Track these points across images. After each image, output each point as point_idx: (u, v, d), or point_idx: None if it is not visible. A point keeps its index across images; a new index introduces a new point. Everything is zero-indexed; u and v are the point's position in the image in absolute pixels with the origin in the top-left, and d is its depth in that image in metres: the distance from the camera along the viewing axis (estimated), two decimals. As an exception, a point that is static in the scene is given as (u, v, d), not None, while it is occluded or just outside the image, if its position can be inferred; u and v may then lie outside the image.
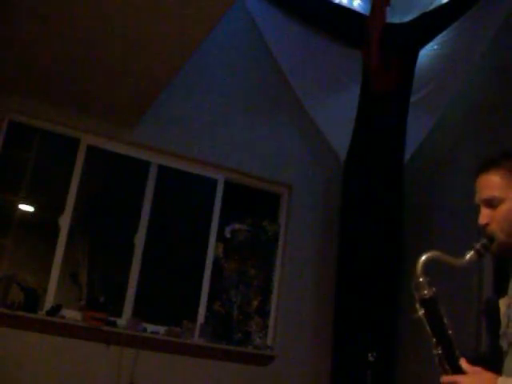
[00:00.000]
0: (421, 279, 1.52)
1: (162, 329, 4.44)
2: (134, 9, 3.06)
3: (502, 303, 1.57)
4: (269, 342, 4.81)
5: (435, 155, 4.96)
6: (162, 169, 4.80)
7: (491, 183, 1.53)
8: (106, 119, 4.44)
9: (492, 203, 1.51)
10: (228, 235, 4.96)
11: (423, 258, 1.53)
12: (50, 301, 4.17)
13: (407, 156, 4.80)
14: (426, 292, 1.51)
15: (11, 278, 4.06)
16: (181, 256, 4.95)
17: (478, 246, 1.51)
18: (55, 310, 4.08)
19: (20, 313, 3.92)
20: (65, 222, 4.37)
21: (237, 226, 5.01)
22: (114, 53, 3.54)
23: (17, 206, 4.57)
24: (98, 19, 3.20)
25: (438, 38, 4.85)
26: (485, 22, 4.59)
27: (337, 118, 5.01)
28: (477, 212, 1.56)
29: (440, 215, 4.77)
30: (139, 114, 4.37)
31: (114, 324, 4.20)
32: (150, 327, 4.39)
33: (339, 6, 5.02)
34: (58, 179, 4.67)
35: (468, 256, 1.51)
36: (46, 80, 3.96)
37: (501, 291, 1.63)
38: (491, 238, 1.50)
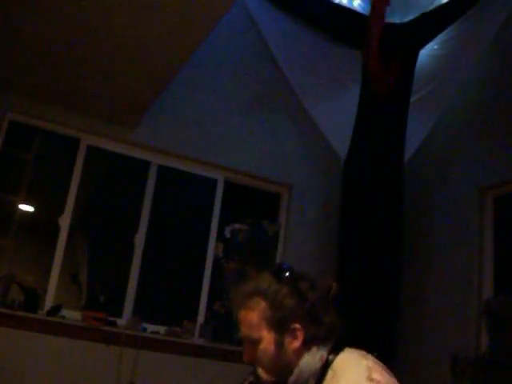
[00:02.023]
0: None
1: (161, 329, 4.44)
2: (134, 8, 3.06)
3: None
4: (269, 342, 4.81)
5: (435, 155, 4.96)
6: (161, 169, 4.80)
7: (248, 321, 1.44)
8: (106, 119, 4.44)
9: (251, 342, 1.44)
10: (228, 235, 4.96)
11: None
12: (50, 301, 4.17)
13: (407, 156, 4.80)
14: None
15: (11, 278, 4.06)
16: (181, 256, 4.95)
17: None
18: (55, 310, 4.08)
19: (20, 313, 3.92)
20: (65, 222, 4.37)
21: (237, 225, 5.01)
22: (114, 53, 3.54)
23: (17, 206, 4.57)
24: (99, 20, 3.20)
25: (438, 38, 4.84)
26: (485, 22, 4.58)
27: (337, 118, 5.01)
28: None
29: (440, 215, 4.77)
30: (139, 114, 4.37)
31: (114, 324, 4.20)
32: (150, 327, 4.39)
33: (339, 6, 5.02)
34: (57, 179, 4.67)
35: None
36: (46, 80, 3.96)
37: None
38: (256, 376, 1.45)
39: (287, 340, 1.41)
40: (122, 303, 4.45)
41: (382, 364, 1.38)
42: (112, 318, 4.23)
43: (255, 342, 1.43)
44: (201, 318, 4.65)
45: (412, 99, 4.80)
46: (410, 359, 4.44)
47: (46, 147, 4.69)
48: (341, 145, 4.93)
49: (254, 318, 1.43)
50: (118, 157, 4.72)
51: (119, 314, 4.39)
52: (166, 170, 4.82)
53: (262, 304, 1.42)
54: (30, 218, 4.71)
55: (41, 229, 4.68)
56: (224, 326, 4.71)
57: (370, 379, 1.30)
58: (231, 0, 3.05)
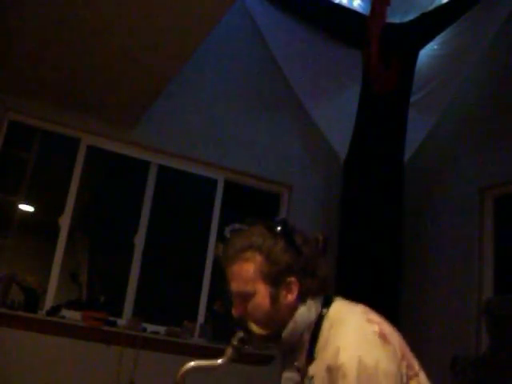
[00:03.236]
0: None
1: (161, 329, 4.44)
2: (134, 9, 3.06)
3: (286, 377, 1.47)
4: (269, 342, 4.81)
5: (435, 155, 4.96)
6: (161, 169, 4.80)
7: (244, 274, 1.43)
8: (106, 119, 4.44)
9: (243, 297, 1.43)
10: (228, 235, 4.96)
11: (182, 372, 1.47)
12: (50, 301, 4.17)
13: (407, 156, 4.80)
14: None
15: (11, 278, 4.06)
16: (181, 256, 4.96)
17: (234, 341, 1.46)
18: (55, 310, 4.08)
19: (20, 313, 3.92)
20: (65, 221, 4.37)
21: (237, 225, 5.01)
22: (113, 53, 3.54)
23: (17, 206, 4.58)
24: (98, 20, 3.20)
25: (438, 38, 4.85)
26: (485, 22, 4.59)
27: (337, 118, 5.01)
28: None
29: (440, 215, 4.77)
30: (139, 114, 4.36)
31: (114, 324, 4.20)
32: (150, 327, 4.39)
33: (339, 6, 5.02)
34: (57, 179, 4.67)
35: (227, 355, 1.49)
36: (46, 80, 3.96)
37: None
38: (247, 331, 1.45)
39: (282, 293, 1.41)
40: (122, 303, 4.45)
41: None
42: (112, 318, 4.23)
43: (248, 296, 1.42)
44: (201, 318, 4.65)
45: (412, 99, 4.80)
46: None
47: (46, 147, 4.70)
48: (341, 145, 4.93)
49: (250, 271, 1.42)
50: (117, 157, 4.72)
51: (119, 314, 4.39)
52: (166, 169, 4.82)
53: (258, 258, 1.41)
54: (30, 217, 4.71)
55: (41, 229, 4.68)
56: (224, 326, 4.71)
57: (369, 320, 1.35)
58: (231, 0, 3.05)
